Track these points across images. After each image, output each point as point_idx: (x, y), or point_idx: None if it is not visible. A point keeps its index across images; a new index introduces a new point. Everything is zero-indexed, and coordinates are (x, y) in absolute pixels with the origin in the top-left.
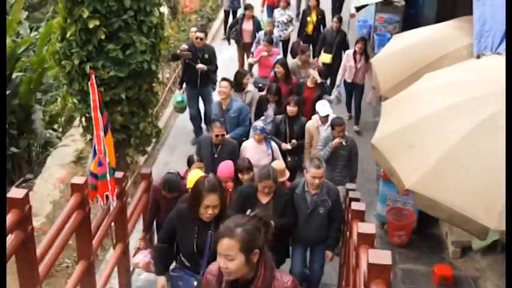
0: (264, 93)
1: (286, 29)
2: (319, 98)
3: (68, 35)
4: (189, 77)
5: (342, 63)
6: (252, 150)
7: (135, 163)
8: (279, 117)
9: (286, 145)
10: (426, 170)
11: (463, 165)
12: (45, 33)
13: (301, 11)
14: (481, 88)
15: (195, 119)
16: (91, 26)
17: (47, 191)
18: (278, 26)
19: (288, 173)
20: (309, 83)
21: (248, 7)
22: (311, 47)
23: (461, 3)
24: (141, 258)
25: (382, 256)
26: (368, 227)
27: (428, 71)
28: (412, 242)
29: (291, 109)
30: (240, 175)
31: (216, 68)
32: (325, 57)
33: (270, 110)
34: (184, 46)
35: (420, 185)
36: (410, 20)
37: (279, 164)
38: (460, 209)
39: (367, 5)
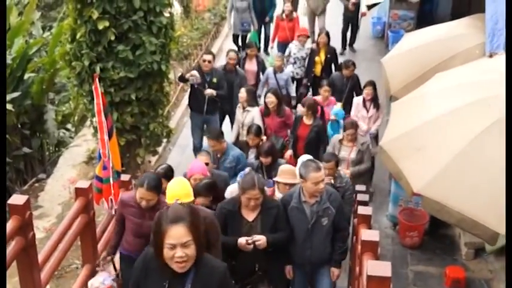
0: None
1: (304, 66)
2: (316, 137)
3: (78, 36)
4: (194, 103)
5: (352, 113)
6: None
7: (146, 163)
8: (255, 162)
9: None
10: (434, 174)
11: (471, 169)
12: (56, 34)
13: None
14: (492, 89)
15: (198, 150)
16: (101, 27)
17: (58, 192)
18: (295, 63)
19: (287, 154)
20: (305, 119)
21: (250, 45)
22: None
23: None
24: (101, 281)
25: (381, 268)
26: (372, 234)
27: (439, 70)
28: (424, 243)
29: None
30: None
31: (226, 93)
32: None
33: (252, 157)
34: (194, 72)
35: (428, 189)
36: (425, 17)
37: (288, 166)
38: (469, 213)
39: (378, 3)
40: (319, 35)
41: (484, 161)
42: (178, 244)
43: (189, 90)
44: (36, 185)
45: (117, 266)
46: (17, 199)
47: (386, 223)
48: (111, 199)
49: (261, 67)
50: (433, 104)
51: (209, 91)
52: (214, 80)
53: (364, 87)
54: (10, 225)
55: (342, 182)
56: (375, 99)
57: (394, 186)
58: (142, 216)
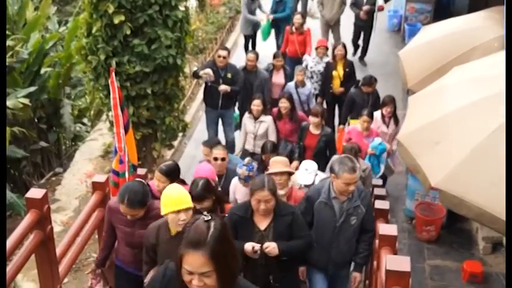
0: None
1: (322, 80)
2: (325, 147)
3: (93, 31)
4: (209, 98)
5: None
6: (241, 191)
7: (161, 157)
8: None
9: None
10: (452, 168)
11: (490, 163)
12: (72, 28)
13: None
14: None
15: None
16: (116, 21)
17: (75, 186)
18: (312, 77)
19: (294, 165)
20: (312, 129)
21: (277, 55)
22: (337, 108)
23: None
24: None
25: (400, 262)
26: (390, 229)
27: (457, 63)
28: (441, 237)
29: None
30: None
31: (241, 89)
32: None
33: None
34: (208, 70)
35: (446, 183)
36: (442, 10)
37: (279, 157)
38: (487, 207)
39: None
40: (335, 47)
41: (502, 155)
42: (195, 272)
43: (203, 85)
44: (53, 178)
45: (110, 277)
46: (34, 193)
47: (403, 217)
48: None
49: (288, 80)
50: (450, 98)
51: (223, 87)
52: (229, 75)
53: (384, 104)
54: (28, 219)
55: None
56: (394, 114)
57: (411, 180)
58: (132, 225)
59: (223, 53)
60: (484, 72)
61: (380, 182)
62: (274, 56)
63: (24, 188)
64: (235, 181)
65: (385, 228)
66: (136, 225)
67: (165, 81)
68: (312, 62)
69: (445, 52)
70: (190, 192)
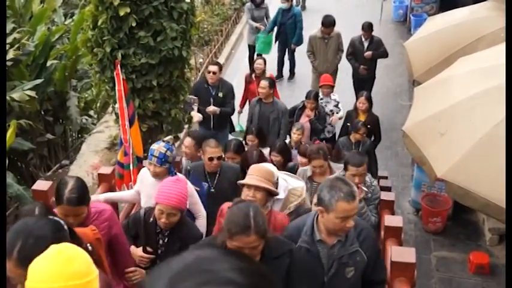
0: None
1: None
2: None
3: (99, 23)
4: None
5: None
6: (149, 186)
7: None
8: None
9: None
10: (458, 159)
11: (496, 154)
12: (78, 21)
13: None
14: None
15: None
16: (122, 13)
17: (81, 177)
18: (325, 120)
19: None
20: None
21: (309, 96)
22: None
23: None
24: None
25: (406, 253)
26: (395, 220)
27: (463, 54)
28: (447, 228)
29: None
30: None
31: (233, 110)
32: None
33: None
34: (196, 114)
35: (452, 174)
36: (448, 0)
37: (263, 166)
38: (492, 198)
39: None
40: (357, 99)
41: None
42: None
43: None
44: (60, 171)
45: None
46: (41, 185)
47: (409, 208)
48: (131, 185)
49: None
50: (456, 88)
51: (212, 109)
52: (221, 94)
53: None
54: None
55: (368, 191)
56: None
57: (417, 171)
58: None
59: (213, 68)
60: (489, 63)
61: (386, 173)
62: (307, 96)
63: (31, 180)
64: (142, 173)
65: (390, 220)
66: None
67: (170, 73)
68: (321, 104)
69: (451, 43)
70: None
